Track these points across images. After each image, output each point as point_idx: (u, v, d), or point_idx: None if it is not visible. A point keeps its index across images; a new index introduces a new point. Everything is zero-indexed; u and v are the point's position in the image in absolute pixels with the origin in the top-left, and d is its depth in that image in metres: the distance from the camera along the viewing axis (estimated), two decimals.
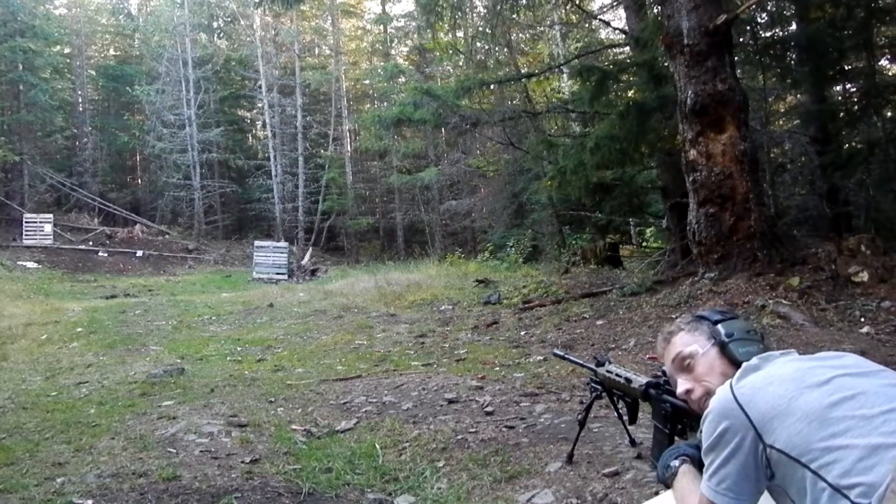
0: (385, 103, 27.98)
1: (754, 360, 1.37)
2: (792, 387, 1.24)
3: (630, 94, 10.78)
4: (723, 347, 1.48)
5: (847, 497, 1.10)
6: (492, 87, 13.17)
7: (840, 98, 11.40)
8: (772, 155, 11.07)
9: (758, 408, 1.24)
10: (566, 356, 2.84)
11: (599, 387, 2.38)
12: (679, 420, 1.77)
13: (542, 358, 5.53)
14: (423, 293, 10.77)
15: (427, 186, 25.40)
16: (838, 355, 1.34)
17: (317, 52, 34.37)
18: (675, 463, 1.51)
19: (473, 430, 3.69)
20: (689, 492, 1.41)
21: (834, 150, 9.94)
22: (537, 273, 12.59)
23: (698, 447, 1.51)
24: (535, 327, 7.07)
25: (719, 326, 1.52)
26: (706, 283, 6.61)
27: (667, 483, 1.54)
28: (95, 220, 27.33)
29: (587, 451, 3.09)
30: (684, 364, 1.54)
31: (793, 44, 10.01)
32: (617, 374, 2.19)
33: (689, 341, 1.54)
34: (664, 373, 1.78)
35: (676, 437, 1.78)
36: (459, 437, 3.59)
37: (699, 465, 1.49)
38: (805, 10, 9.98)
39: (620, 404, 2.46)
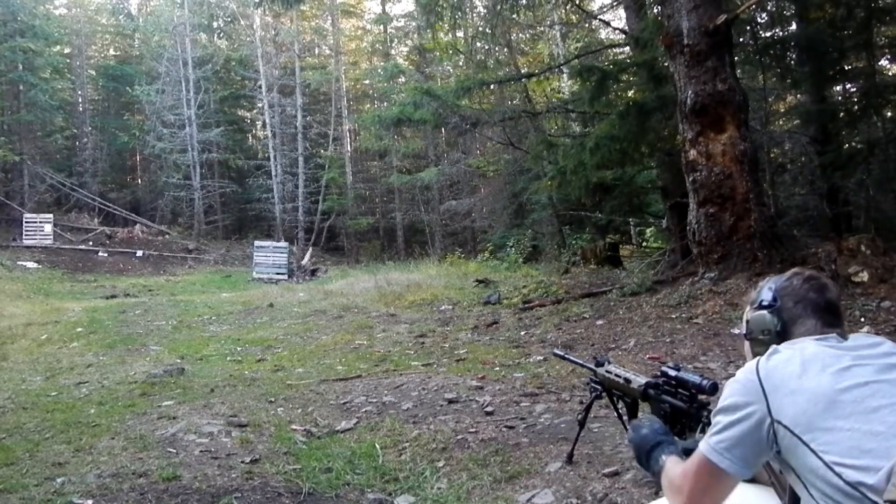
0: (385, 103, 27.96)
1: (785, 345, 1.39)
2: (809, 368, 1.27)
3: (630, 94, 10.78)
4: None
5: (841, 477, 1.14)
6: (492, 87, 13.17)
7: (840, 98, 11.39)
8: (772, 155, 11.07)
9: (773, 383, 1.28)
10: (566, 356, 2.85)
11: (599, 387, 2.39)
12: (678, 420, 1.78)
13: (542, 358, 5.53)
14: (423, 293, 10.76)
15: (427, 186, 25.38)
16: (873, 343, 1.35)
17: (317, 52, 34.35)
18: (664, 457, 1.54)
19: (473, 430, 3.69)
20: (677, 464, 1.46)
21: (834, 150, 9.93)
22: (537, 273, 12.59)
23: (676, 443, 1.59)
24: (535, 327, 7.06)
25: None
26: (706, 283, 6.61)
27: (656, 474, 1.57)
28: (95, 220, 27.30)
29: (587, 451, 3.09)
30: None
31: (793, 44, 10.01)
32: (616, 375, 2.20)
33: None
34: (663, 373, 1.81)
35: (675, 438, 1.78)
36: (459, 437, 3.59)
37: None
38: (805, 10, 9.97)
39: (620, 404, 2.46)
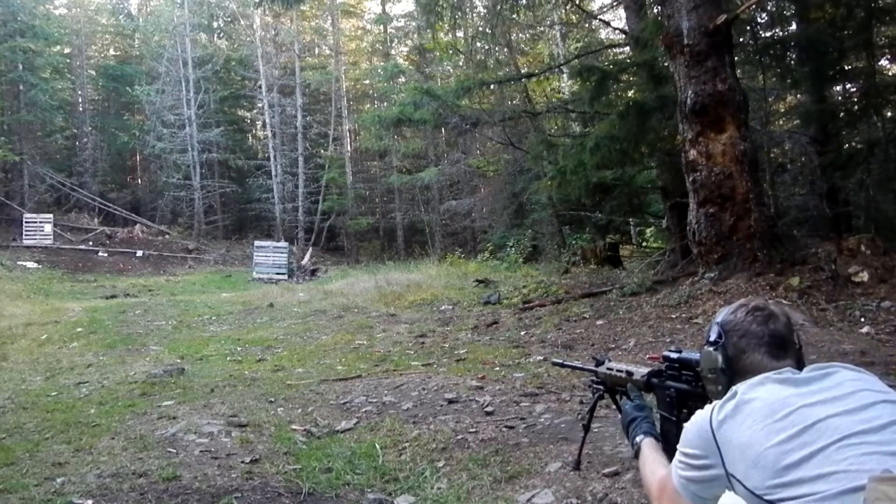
0: (385, 103, 27.98)
1: (740, 385, 1.38)
2: (759, 419, 1.27)
3: (630, 94, 10.77)
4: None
5: None
6: (492, 87, 13.16)
7: (840, 98, 11.37)
8: (772, 155, 11.06)
9: (725, 436, 1.31)
10: (565, 363, 2.85)
11: (601, 386, 2.39)
12: (685, 404, 1.79)
13: (542, 358, 5.53)
14: (423, 293, 10.76)
15: (427, 186, 25.38)
16: (826, 374, 1.33)
17: (317, 52, 34.36)
18: (639, 439, 1.75)
19: (473, 430, 3.69)
20: (654, 461, 1.63)
21: (834, 150, 9.92)
22: (537, 273, 12.60)
23: (653, 422, 1.80)
24: (535, 327, 7.06)
25: None
26: (706, 283, 6.61)
27: (635, 454, 1.77)
28: (95, 220, 27.31)
29: (587, 451, 3.08)
30: None
31: (793, 44, 9.99)
32: (618, 370, 2.21)
33: None
34: (665, 357, 1.87)
35: (652, 415, 1.85)
36: (459, 437, 3.59)
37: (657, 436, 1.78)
38: (805, 10, 9.97)
39: (624, 401, 2.47)
